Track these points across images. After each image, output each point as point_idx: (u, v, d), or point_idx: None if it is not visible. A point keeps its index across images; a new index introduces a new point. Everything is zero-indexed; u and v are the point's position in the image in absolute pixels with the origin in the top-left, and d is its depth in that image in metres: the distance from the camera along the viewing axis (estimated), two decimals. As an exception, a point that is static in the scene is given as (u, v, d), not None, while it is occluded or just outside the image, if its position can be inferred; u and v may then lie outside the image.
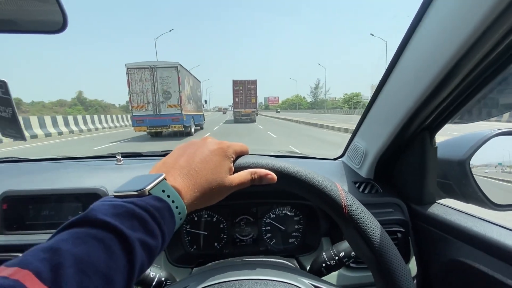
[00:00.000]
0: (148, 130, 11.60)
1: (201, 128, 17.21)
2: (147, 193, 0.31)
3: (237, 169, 0.41)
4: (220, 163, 0.39)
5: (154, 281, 0.51)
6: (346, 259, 0.54)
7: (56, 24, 0.49)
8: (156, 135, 12.08)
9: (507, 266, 0.49)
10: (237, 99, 24.97)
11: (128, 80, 11.26)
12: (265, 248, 0.80)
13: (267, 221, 0.80)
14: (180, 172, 0.36)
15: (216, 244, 0.79)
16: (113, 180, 0.74)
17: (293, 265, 0.54)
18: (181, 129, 11.79)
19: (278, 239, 0.80)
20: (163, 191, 0.32)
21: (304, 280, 0.42)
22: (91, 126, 17.50)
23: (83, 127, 16.58)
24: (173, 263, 0.72)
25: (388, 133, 0.67)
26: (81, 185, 0.71)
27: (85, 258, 0.23)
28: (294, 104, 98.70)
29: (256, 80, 25.13)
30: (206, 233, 0.78)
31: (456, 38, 0.42)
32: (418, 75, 0.53)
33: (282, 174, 0.42)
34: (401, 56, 0.59)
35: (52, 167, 0.91)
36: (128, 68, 11.15)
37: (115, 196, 0.31)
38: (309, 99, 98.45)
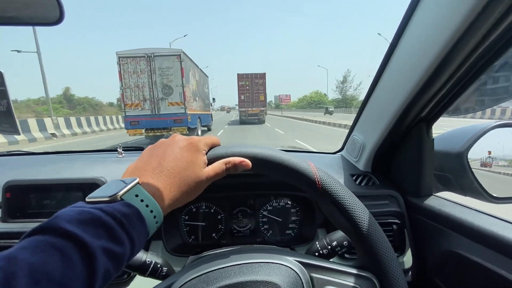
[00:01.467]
0: (145, 134, 9.43)
1: (209, 130, 15.24)
2: (119, 199, 0.32)
3: (211, 161, 0.43)
4: (192, 158, 0.40)
5: (150, 267, 0.53)
6: (338, 248, 0.57)
7: (52, 16, 0.50)
8: (155, 139, 9.97)
9: (502, 257, 0.51)
10: (242, 97, 21.51)
11: (119, 72, 9.41)
12: (262, 239, 0.83)
13: (264, 213, 0.83)
14: (153, 174, 0.37)
15: (213, 235, 0.82)
16: (113, 172, 0.77)
17: (281, 248, 0.56)
18: (185, 132, 9.81)
19: (275, 231, 0.84)
20: (136, 195, 0.33)
21: (289, 258, 0.45)
22: (65, 132, 14.63)
23: (52, 131, 13.77)
24: (171, 253, 0.76)
25: (384, 125, 0.69)
26: (82, 175, 0.75)
27: (41, 267, 0.23)
28: (314, 103, 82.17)
29: (265, 73, 21.50)
30: (204, 224, 0.81)
31: (448, 27, 0.44)
32: (412, 65, 0.55)
33: (256, 160, 0.44)
34: (396, 47, 0.61)
35: (55, 160, 0.97)
36: (119, 57, 9.30)
37: (87, 202, 0.32)
38: (333, 95, 76.88)
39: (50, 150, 1.18)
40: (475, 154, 0.66)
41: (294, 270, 0.43)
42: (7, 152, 1.09)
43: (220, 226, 0.82)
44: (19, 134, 0.71)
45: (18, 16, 0.53)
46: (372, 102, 0.76)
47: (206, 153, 0.44)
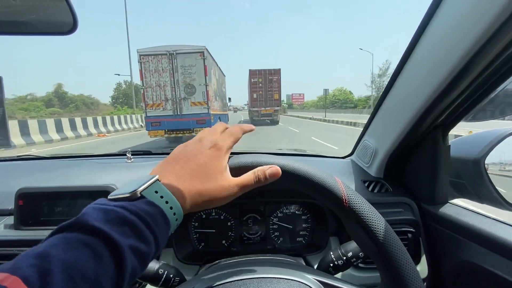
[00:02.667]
0: (166, 135, 9.16)
1: None
2: (139, 195, 0.33)
3: (235, 169, 0.43)
4: (215, 165, 0.41)
5: (162, 278, 0.54)
6: (354, 259, 0.56)
7: (66, 25, 0.51)
8: (175, 141, 9.66)
9: None
10: (255, 95, 19.58)
11: (140, 71, 9.13)
12: (272, 246, 0.84)
13: (274, 220, 0.84)
14: (175, 175, 0.38)
15: (223, 241, 0.83)
16: (123, 178, 0.80)
17: (298, 263, 0.56)
18: None
19: (285, 238, 0.84)
20: (156, 192, 0.34)
21: (309, 276, 0.45)
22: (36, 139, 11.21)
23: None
24: (182, 260, 0.77)
25: (398, 131, 0.69)
26: (93, 182, 0.76)
27: (74, 264, 0.24)
28: (339, 102, 72.67)
29: (279, 69, 19.72)
30: (214, 231, 0.82)
31: (470, 34, 0.44)
32: (431, 71, 0.55)
33: (282, 171, 0.44)
34: (412, 52, 0.60)
35: (65, 165, 1.00)
36: (140, 55, 9.02)
37: (109, 199, 0.33)
38: (366, 92, 67.54)
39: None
40: (493, 160, 0.65)
41: None
42: (17, 156, 1.12)
43: (230, 233, 0.83)
44: (10, 146, 0.76)
45: (32, 26, 0.54)
46: (385, 107, 0.75)
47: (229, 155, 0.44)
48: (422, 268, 0.71)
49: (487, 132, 0.68)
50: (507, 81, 0.53)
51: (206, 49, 9.46)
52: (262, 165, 0.43)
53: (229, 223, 0.83)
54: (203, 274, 0.46)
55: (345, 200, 0.43)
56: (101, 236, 0.27)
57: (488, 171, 0.64)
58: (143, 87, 9.36)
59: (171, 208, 0.34)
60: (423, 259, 0.72)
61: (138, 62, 9.20)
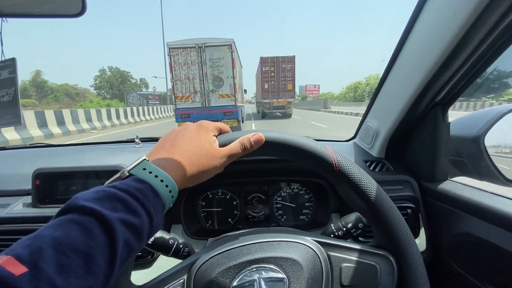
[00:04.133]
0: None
1: (242, 122, 15.16)
2: (127, 174, 0.37)
3: (223, 145, 0.46)
4: (201, 136, 0.44)
5: (173, 247, 0.57)
6: (353, 230, 0.59)
7: (75, 7, 0.52)
8: None
9: None
10: (266, 85, 17.82)
11: (170, 64, 9.48)
12: (276, 224, 0.90)
13: (278, 199, 0.91)
14: (165, 152, 0.41)
15: (230, 220, 0.90)
16: (132, 159, 0.79)
17: (299, 231, 0.60)
18: (235, 125, 10.04)
19: (289, 216, 0.90)
20: (144, 169, 0.37)
21: (307, 238, 0.48)
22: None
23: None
24: (190, 236, 0.84)
25: (399, 109, 0.72)
26: (104, 163, 0.80)
27: (64, 240, 0.27)
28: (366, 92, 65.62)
29: (294, 56, 17.79)
30: (220, 209, 0.89)
31: (462, 13, 0.46)
32: (427, 50, 0.58)
33: (270, 141, 0.47)
34: (411, 30, 0.64)
35: (78, 150, 1.08)
36: (170, 49, 9.36)
37: (104, 185, 0.35)
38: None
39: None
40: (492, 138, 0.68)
41: (312, 249, 0.47)
42: (30, 144, 1.23)
43: (235, 211, 0.90)
44: (20, 124, 0.77)
45: (40, 7, 0.56)
46: (386, 88, 0.79)
47: (216, 136, 0.47)
48: (421, 242, 0.75)
49: (487, 110, 0.70)
50: (500, 58, 0.55)
51: (233, 41, 9.79)
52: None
53: (234, 203, 0.90)
54: (210, 245, 0.51)
55: (335, 163, 0.46)
56: (91, 213, 0.30)
57: (487, 148, 0.67)
58: (173, 80, 9.60)
59: (161, 181, 0.37)
60: (422, 233, 0.75)
61: (168, 55, 9.50)
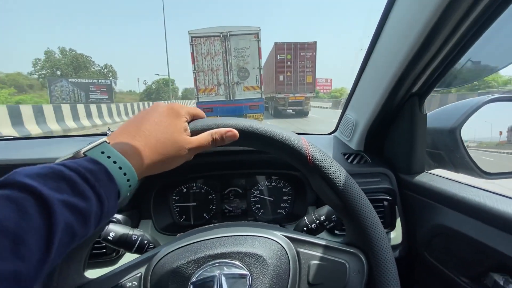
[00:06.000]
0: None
1: None
2: (82, 155, 0.35)
3: (194, 132, 0.45)
4: (171, 122, 0.42)
5: (136, 243, 0.56)
6: (326, 222, 0.60)
7: None
8: None
9: (490, 228, 0.55)
10: (281, 77, 14.97)
11: (192, 54, 9.08)
12: (253, 218, 0.90)
13: (255, 193, 0.90)
14: (128, 136, 0.39)
15: (205, 215, 0.88)
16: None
17: (270, 225, 0.60)
18: (260, 119, 9.56)
19: (266, 210, 0.91)
20: (102, 152, 0.35)
21: (277, 233, 0.48)
22: None
23: None
24: (160, 231, 0.81)
25: (376, 100, 0.74)
26: (60, 155, 0.78)
27: None
28: None
29: (315, 42, 14.89)
30: (195, 204, 0.87)
31: (430, 5, 0.49)
32: (402, 37, 0.60)
33: (244, 132, 0.46)
34: (386, 20, 0.66)
35: (44, 143, 1.01)
36: (192, 37, 8.93)
37: (54, 163, 0.33)
38: None
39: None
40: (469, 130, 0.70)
41: (281, 244, 0.47)
42: None
43: (211, 206, 0.89)
44: None
45: None
46: (364, 78, 0.81)
47: (188, 122, 0.46)
48: (397, 234, 0.77)
49: (463, 102, 0.73)
50: (472, 48, 0.57)
51: (260, 29, 9.31)
52: (222, 127, 0.46)
53: (210, 197, 0.89)
54: (176, 239, 0.49)
55: (309, 155, 0.46)
56: (28, 191, 0.27)
57: (463, 140, 0.69)
58: (195, 71, 9.15)
59: (120, 168, 0.35)
60: (398, 226, 0.77)
61: (190, 44, 9.28)
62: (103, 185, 0.33)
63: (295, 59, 14.76)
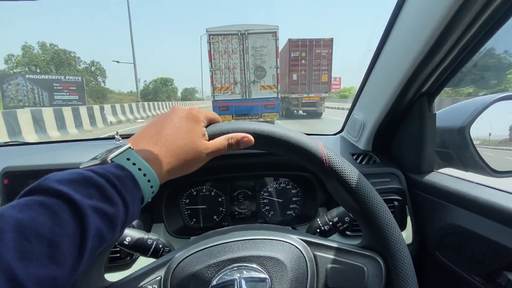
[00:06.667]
0: (234, 120, 9.15)
1: None
2: (110, 162, 0.35)
3: (211, 136, 0.46)
4: (190, 128, 0.43)
5: (151, 248, 0.56)
6: (340, 223, 0.60)
7: None
8: None
9: (503, 227, 0.55)
10: (294, 76, 14.03)
11: (209, 52, 9.08)
12: (263, 220, 0.91)
13: (264, 195, 0.91)
14: (150, 142, 0.40)
15: (215, 217, 0.89)
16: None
17: (285, 228, 0.60)
18: (276, 119, 9.49)
19: (276, 212, 0.91)
20: (128, 159, 0.36)
21: (293, 236, 0.48)
22: None
23: None
24: (172, 234, 0.83)
25: (385, 100, 0.74)
26: (79, 160, 0.77)
27: (28, 223, 0.25)
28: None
29: (332, 39, 13.97)
30: (205, 206, 0.88)
31: (443, 3, 0.49)
32: (413, 37, 0.60)
33: (260, 136, 0.46)
34: (396, 20, 0.66)
35: (53, 148, 1.06)
36: (210, 35, 8.86)
37: (80, 168, 0.34)
38: None
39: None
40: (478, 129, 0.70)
41: (298, 248, 0.47)
42: (4, 142, 1.18)
43: (221, 208, 0.89)
44: None
45: None
46: (372, 79, 0.81)
47: (206, 126, 0.47)
48: (407, 234, 0.77)
49: (472, 100, 0.73)
50: (484, 48, 0.57)
51: (278, 28, 9.25)
52: (239, 131, 0.46)
53: (220, 199, 0.90)
54: (190, 243, 0.50)
55: (325, 160, 0.46)
56: (61, 197, 0.28)
57: (472, 139, 0.70)
58: (212, 69, 9.17)
59: (144, 175, 0.36)
60: (409, 225, 0.77)
61: (208, 42, 9.22)
62: (129, 190, 0.34)
63: (310, 56, 13.89)
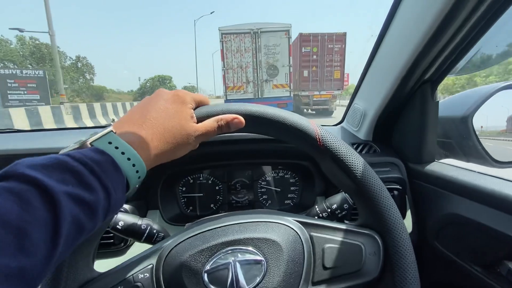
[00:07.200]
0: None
1: None
2: (89, 145, 0.34)
3: (200, 119, 0.45)
4: (177, 109, 0.42)
5: (145, 233, 0.56)
6: (338, 211, 0.60)
7: None
8: None
9: (504, 214, 0.55)
10: (305, 72, 13.14)
11: (222, 51, 9.09)
12: (260, 209, 0.92)
13: (262, 184, 0.91)
14: (134, 125, 0.38)
15: (212, 205, 0.90)
16: None
17: (280, 211, 0.61)
18: None
19: (274, 201, 0.92)
20: (110, 143, 0.34)
21: (288, 218, 0.48)
22: None
23: None
24: (168, 222, 0.83)
25: (387, 88, 0.73)
26: (62, 146, 0.78)
27: None
28: None
29: (345, 34, 13.24)
30: (202, 194, 0.89)
31: None
32: (416, 23, 0.58)
33: (251, 117, 0.46)
34: (398, 5, 0.65)
35: (47, 135, 1.03)
36: (222, 34, 8.69)
37: (60, 153, 0.33)
38: None
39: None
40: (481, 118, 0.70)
41: (293, 229, 0.47)
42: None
43: (218, 197, 0.90)
44: None
45: None
46: (374, 67, 0.80)
47: (194, 109, 0.45)
48: (407, 224, 0.77)
49: (475, 89, 0.72)
50: (487, 33, 0.56)
51: (291, 26, 9.16)
52: (229, 113, 0.45)
53: (217, 187, 0.90)
54: (186, 229, 0.49)
55: (319, 138, 0.46)
56: (31, 182, 0.26)
57: (475, 129, 0.69)
58: (224, 69, 9.19)
59: (128, 159, 0.35)
60: (408, 215, 0.77)
61: (220, 41, 9.08)
62: (110, 176, 0.32)
63: (322, 52, 13.00)
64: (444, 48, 0.59)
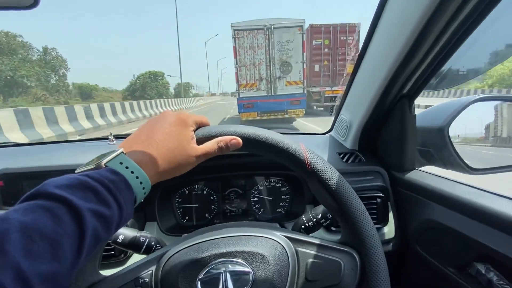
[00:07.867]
0: (258, 117, 9.13)
1: None
2: (103, 166, 0.38)
3: (200, 139, 0.49)
4: (180, 132, 0.46)
5: (144, 245, 0.60)
6: (323, 220, 0.65)
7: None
8: (267, 123, 9.62)
9: (475, 222, 0.60)
10: (316, 67, 12.26)
11: (234, 48, 9.01)
12: (253, 218, 0.94)
13: (255, 193, 0.95)
14: (142, 146, 0.43)
15: (207, 215, 0.93)
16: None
17: (271, 225, 0.65)
18: (300, 115, 9.45)
19: (266, 209, 0.95)
20: (121, 163, 0.39)
21: (277, 233, 0.53)
22: None
23: None
24: (165, 232, 0.86)
25: (369, 101, 0.79)
26: (75, 162, 0.79)
27: (31, 224, 0.28)
28: None
29: (358, 24, 12.13)
30: (197, 205, 0.92)
31: (418, 10, 0.52)
32: (393, 41, 0.64)
33: (248, 139, 0.50)
34: (378, 22, 0.70)
35: (47, 149, 1.08)
36: (234, 30, 8.63)
37: (76, 173, 0.37)
38: None
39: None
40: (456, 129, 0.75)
41: (281, 244, 0.52)
42: None
43: (213, 207, 0.93)
44: None
45: None
46: (358, 79, 0.85)
47: (195, 130, 0.50)
48: (390, 229, 0.82)
49: (451, 101, 0.77)
50: (458, 50, 0.61)
51: (304, 22, 8.98)
52: (227, 134, 0.50)
53: (211, 198, 0.93)
54: (183, 239, 0.54)
55: (307, 162, 0.50)
56: (61, 201, 0.31)
57: (451, 139, 0.74)
58: (237, 66, 9.08)
59: (137, 177, 0.39)
60: (391, 221, 0.82)
61: (233, 38, 9.12)
62: (123, 193, 0.37)
63: (334, 44, 11.96)
64: (419, 65, 0.65)
